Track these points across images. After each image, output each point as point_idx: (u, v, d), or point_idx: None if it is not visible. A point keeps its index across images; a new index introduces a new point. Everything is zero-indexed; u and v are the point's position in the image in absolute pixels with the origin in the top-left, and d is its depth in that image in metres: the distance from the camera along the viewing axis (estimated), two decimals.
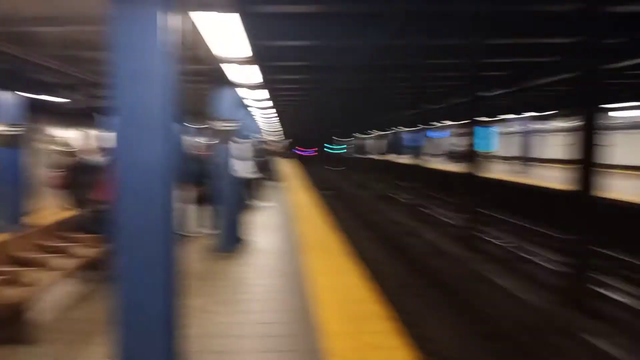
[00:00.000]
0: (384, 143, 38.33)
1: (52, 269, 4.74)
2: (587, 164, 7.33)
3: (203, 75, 6.74)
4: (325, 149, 44.55)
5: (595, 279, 7.72)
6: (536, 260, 10.38)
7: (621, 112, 16.68)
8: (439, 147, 31.99)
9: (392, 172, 21.70)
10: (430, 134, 33.76)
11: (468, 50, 7.38)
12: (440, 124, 28.11)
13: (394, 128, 27.50)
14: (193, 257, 6.75)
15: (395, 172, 22.36)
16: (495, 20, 5.67)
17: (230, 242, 7.23)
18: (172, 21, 2.91)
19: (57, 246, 5.44)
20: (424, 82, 10.98)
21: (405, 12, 4.56)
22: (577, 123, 7.34)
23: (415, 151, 20.28)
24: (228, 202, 7.16)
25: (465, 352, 6.46)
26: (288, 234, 8.60)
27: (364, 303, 4.94)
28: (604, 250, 9.82)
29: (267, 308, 4.93)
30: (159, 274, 3.00)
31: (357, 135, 33.32)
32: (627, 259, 10.01)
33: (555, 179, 15.88)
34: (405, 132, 34.46)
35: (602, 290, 8.06)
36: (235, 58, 5.46)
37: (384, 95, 14.26)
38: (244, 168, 7.78)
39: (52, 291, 4.54)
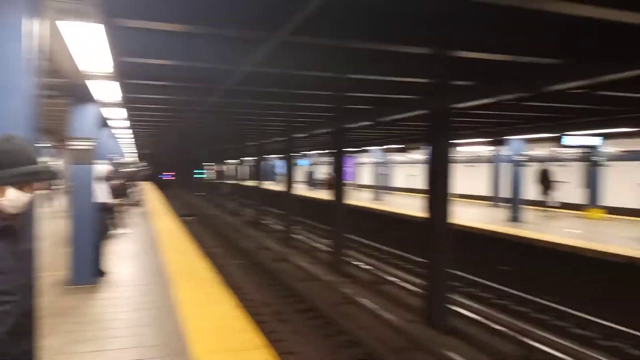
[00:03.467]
0: (249, 169, 38.40)
1: None
2: (433, 192, 8.11)
3: (61, 89, 6.16)
4: (189, 173, 43.27)
5: (446, 297, 8.45)
6: (396, 281, 11.08)
7: (467, 147, 18.82)
8: (309, 174, 32.99)
9: (260, 199, 21.75)
10: (300, 162, 34.72)
11: (332, 83, 7.77)
12: (311, 152, 29.03)
13: (264, 155, 27.72)
14: (47, 293, 5.99)
15: (264, 198, 22.47)
16: (356, 55, 6.05)
17: (90, 274, 6.57)
18: (32, 29, 2.63)
19: None
20: (291, 110, 11.27)
21: (273, 40, 4.66)
22: (427, 156, 8.13)
23: (284, 178, 20.67)
24: (86, 230, 6.53)
25: None
26: (153, 263, 8.09)
27: (238, 333, 4.82)
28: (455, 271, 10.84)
29: (132, 344, 4.54)
30: None
31: (226, 160, 32.91)
32: (470, 277, 11.20)
33: (407, 206, 17.29)
34: (275, 160, 34.98)
35: (454, 308, 8.82)
36: (96, 73, 5.10)
37: (251, 122, 14.33)
38: (104, 192, 7.18)
39: None
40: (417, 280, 10.34)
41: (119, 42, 4.41)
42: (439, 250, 8.13)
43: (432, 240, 8.14)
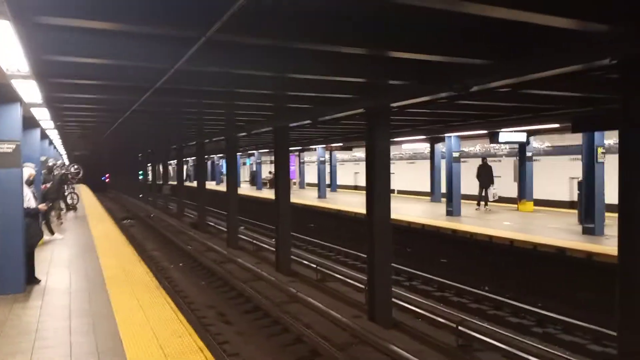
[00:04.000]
0: (192, 170, 37.58)
1: None
2: (372, 189, 8.30)
3: None
4: (127, 175, 41.81)
5: (390, 292, 8.64)
6: (339, 278, 11.21)
7: (409, 145, 19.36)
8: (253, 174, 32.67)
9: (203, 200, 21.39)
10: (247, 161, 34.39)
11: (271, 81, 7.75)
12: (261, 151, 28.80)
13: (206, 155, 27.18)
14: None
15: (206, 199, 22.11)
16: (293, 55, 6.07)
17: (17, 281, 6.23)
18: None
19: None
20: (233, 110, 11.14)
21: (206, 38, 4.59)
22: (367, 153, 8.31)
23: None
24: (14, 236, 6.18)
25: None
26: (88, 269, 7.78)
27: (176, 337, 4.74)
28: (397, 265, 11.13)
29: (66, 353, 4.35)
30: None
31: (168, 162, 32.01)
32: (417, 272, 11.54)
33: (350, 203, 17.55)
34: (220, 159, 34.38)
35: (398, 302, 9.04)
36: (16, 72, 4.83)
37: (189, 121, 14.03)
38: (30, 196, 6.82)
39: None
40: (361, 276, 10.53)
41: (35, 40, 4.20)
42: (380, 244, 8.33)
43: (372, 235, 8.31)
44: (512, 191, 16.29)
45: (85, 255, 9.02)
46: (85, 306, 5.82)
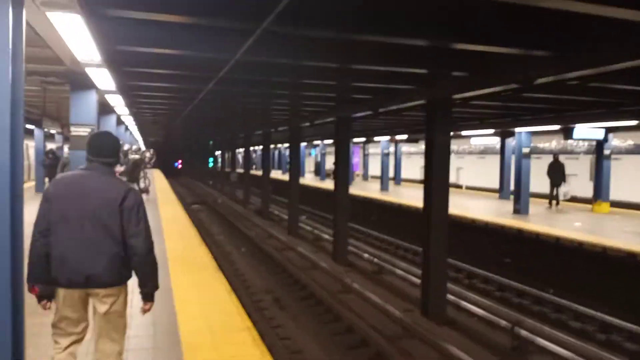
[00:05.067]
0: (256, 158, 38.54)
1: None
2: (431, 182, 8.16)
3: (62, 76, 6.28)
4: (198, 162, 43.61)
5: (445, 288, 8.48)
6: (397, 272, 11.15)
7: (477, 139, 18.71)
8: (317, 165, 32.97)
9: (268, 188, 21.98)
10: (311, 151, 34.81)
11: (335, 73, 7.81)
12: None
13: (271, 144, 27.81)
14: None
15: (272, 187, 22.69)
16: (357, 47, 6.09)
17: None
18: (16, 18, 2.73)
19: None
20: (296, 100, 11.34)
21: (274, 33, 4.73)
22: (426, 146, 8.17)
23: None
24: None
25: None
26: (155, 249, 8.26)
27: (228, 315, 4.96)
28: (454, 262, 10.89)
29: (129, 323, 4.68)
30: (3, 290, 2.76)
31: (236, 149, 33.12)
32: (470, 269, 11.24)
33: (413, 197, 17.30)
34: (287, 149, 35.03)
35: (451, 298, 8.87)
36: (91, 61, 5.20)
37: (257, 110, 14.42)
38: None
39: None
40: (416, 270, 10.41)
41: (107, 32, 4.51)
42: (436, 240, 8.19)
43: (429, 230, 8.19)
44: (589, 191, 15.36)
45: (153, 236, 9.56)
46: None
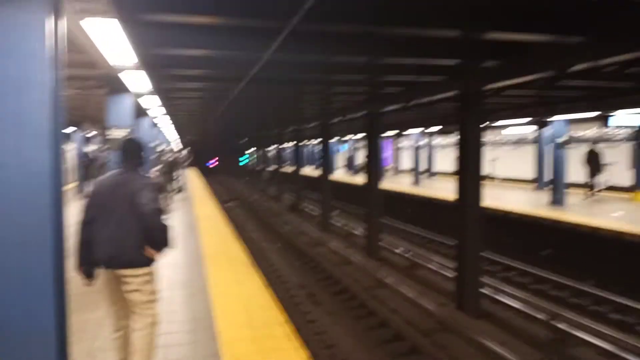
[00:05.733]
0: (288, 155, 38.73)
1: None
2: (464, 175, 8.06)
3: (98, 80, 6.50)
4: (231, 160, 44.19)
5: (480, 282, 8.39)
6: (430, 266, 11.07)
7: (509, 130, 18.33)
8: (349, 159, 32.93)
9: (300, 184, 22.13)
10: (341, 147, 34.78)
11: (365, 67, 7.81)
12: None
13: (303, 140, 27.96)
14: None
15: (303, 184, 22.83)
16: (387, 40, 6.07)
17: None
18: (56, 26, 2.84)
19: None
20: (326, 96, 11.37)
21: (302, 31, 4.77)
22: (458, 138, 8.06)
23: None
24: None
25: (365, 355, 6.78)
26: (190, 246, 8.46)
27: (264, 310, 5.06)
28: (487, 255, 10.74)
29: (168, 319, 4.84)
30: (47, 289, 2.89)
31: (268, 147, 33.45)
32: (506, 262, 11.06)
33: (446, 190, 17.09)
34: (316, 145, 35.18)
35: (485, 292, 8.77)
36: (126, 65, 5.35)
37: (288, 107, 14.53)
38: None
39: None
40: (451, 264, 10.31)
41: (143, 36, 4.64)
42: (470, 233, 8.10)
43: (463, 223, 8.10)
44: (631, 179, 14.82)
45: (188, 233, 9.79)
46: (185, 279, 6.38)
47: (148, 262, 3.41)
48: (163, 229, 3.40)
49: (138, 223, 3.29)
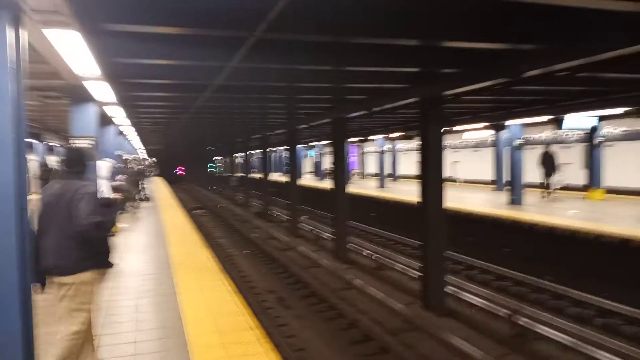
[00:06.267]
0: (257, 162, 38.65)
1: None
2: (427, 178, 8.32)
3: (61, 90, 6.43)
4: (197, 168, 43.74)
5: (444, 281, 8.64)
6: (397, 267, 11.31)
7: (469, 134, 18.88)
8: (316, 165, 33.14)
9: (268, 190, 22.12)
10: (309, 152, 34.91)
11: (330, 75, 7.97)
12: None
13: (270, 147, 27.98)
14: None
15: (272, 190, 22.84)
16: (350, 48, 6.24)
17: None
18: (17, 37, 2.86)
19: None
20: (292, 104, 11.49)
21: (266, 40, 4.88)
22: (420, 142, 8.33)
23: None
24: None
25: (335, 357, 6.91)
26: (157, 255, 8.41)
27: (233, 316, 5.11)
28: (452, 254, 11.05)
29: (136, 328, 4.85)
30: (13, 300, 2.90)
31: (235, 154, 33.27)
32: (469, 261, 11.41)
33: (410, 192, 17.43)
34: (283, 151, 35.25)
35: (449, 290, 9.03)
36: (89, 75, 5.34)
37: (253, 115, 14.57)
38: (107, 188, 7.49)
39: None
40: (416, 264, 10.56)
41: (105, 46, 4.65)
42: (434, 233, 8.35)
43: (426, 224, 8.35)
44: (584, 179, 15.53)
45: (156, 242, 9.71)
46: (151, 288, 6.37)
47: (84, 269, 3.44)
48: (103, 243, 3.49)
49: (70, 232, 3.34)
